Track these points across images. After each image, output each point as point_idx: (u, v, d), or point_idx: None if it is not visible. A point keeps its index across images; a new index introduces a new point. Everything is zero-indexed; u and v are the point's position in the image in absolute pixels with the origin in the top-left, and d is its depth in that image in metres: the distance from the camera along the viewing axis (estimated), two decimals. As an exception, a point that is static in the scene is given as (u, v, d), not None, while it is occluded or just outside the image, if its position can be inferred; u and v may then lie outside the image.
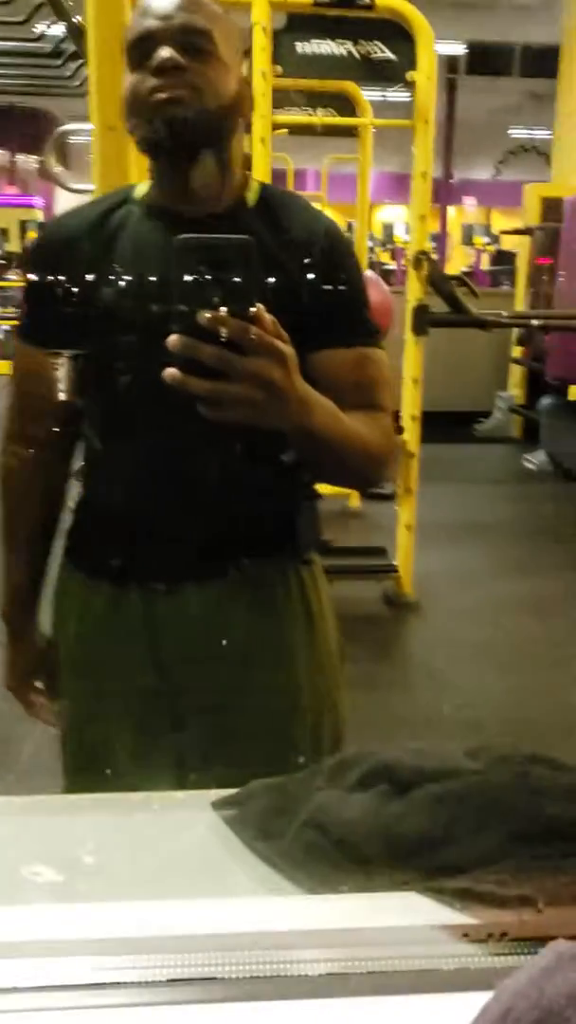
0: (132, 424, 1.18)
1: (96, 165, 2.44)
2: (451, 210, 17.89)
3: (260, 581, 1.22)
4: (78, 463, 1.28)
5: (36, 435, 1.28)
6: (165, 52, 1.07)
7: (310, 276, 1.14)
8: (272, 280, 1.10)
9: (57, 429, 1.26)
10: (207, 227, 1.11)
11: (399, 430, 3.77)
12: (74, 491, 1.29)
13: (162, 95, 1.07)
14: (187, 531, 1.18)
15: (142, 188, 1.21)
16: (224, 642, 1.21)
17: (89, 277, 1.15)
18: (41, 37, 4.97)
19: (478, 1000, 0.55)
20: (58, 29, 4.79)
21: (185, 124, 1.08)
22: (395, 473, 3.81)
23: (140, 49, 1.09)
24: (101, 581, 1.23)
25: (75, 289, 1.16)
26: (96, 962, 0.59)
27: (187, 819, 0.80)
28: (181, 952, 0.58)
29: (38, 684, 1.38)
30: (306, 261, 1.15)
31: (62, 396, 1.22)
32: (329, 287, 1.16)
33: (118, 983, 0.56)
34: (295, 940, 0.61)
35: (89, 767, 1.26)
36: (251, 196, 1.19)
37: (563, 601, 4.05)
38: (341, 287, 1.18)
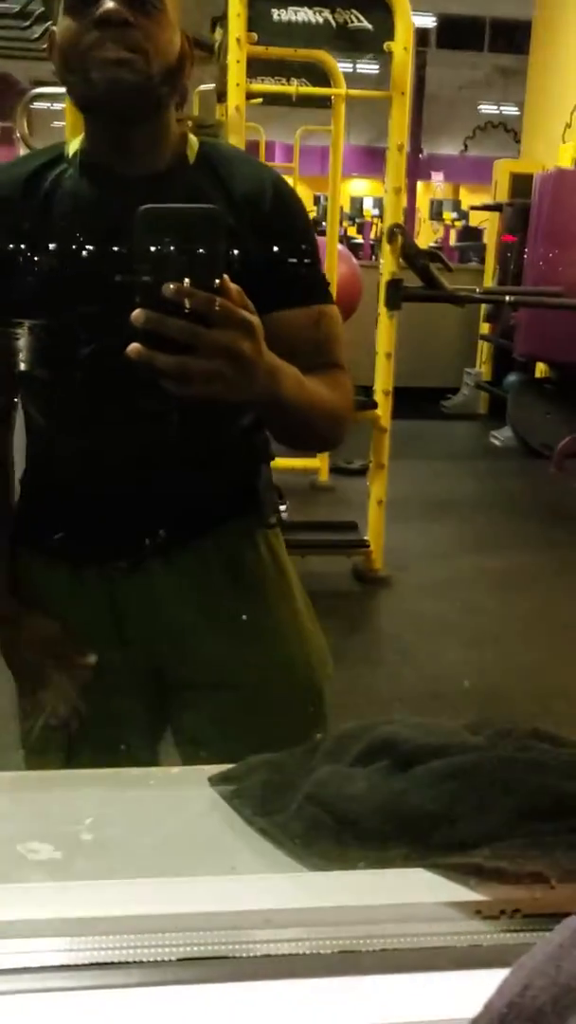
0: (83, 397, 1.12)
1: (69, 130, 2.38)
2: (419, 185, 17.82)
3: (230, 549, 1.20)
4: (27, 440, 1.22)
5: None
6: (111, 4, 0.99)
7: (260, 234, 1.09)
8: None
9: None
10: (148, 186, 1.06)
11: (372, 404, 3.76)
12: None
13: (105, 54, 0.99)
14: (148, 505, 1.14)
15: (75, 144, 1.13)
16: (201, 615, 1.18)
17: (24, 243, 1.08)
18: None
19: (493, 977, 0.54)
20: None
21: (129, 88, 1.01)
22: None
23: None
24: (59, 563, 1.18)
25: (7, 252, 1.09)
26: (101, 941, 0.57)
27: (185, 795, 0.78)
28: (192, 931, 0.57)
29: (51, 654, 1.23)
30: (255, 218, 1.09)
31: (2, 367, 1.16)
32: (281, 244, 1.11)
33: (128, 962, 0.55)
34: (307, 917, 0.60)
35: (59, 752, 1.20)
36: (191, 153, 1.13)
37: (529, 576, 4.08)
38: (293, 243, 1.12)
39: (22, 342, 1.13)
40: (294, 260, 1.13)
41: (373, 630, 3.67)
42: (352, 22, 3.71)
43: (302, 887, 0.63)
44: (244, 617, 1.19)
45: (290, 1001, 0.54)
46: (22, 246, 1.08)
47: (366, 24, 3.71)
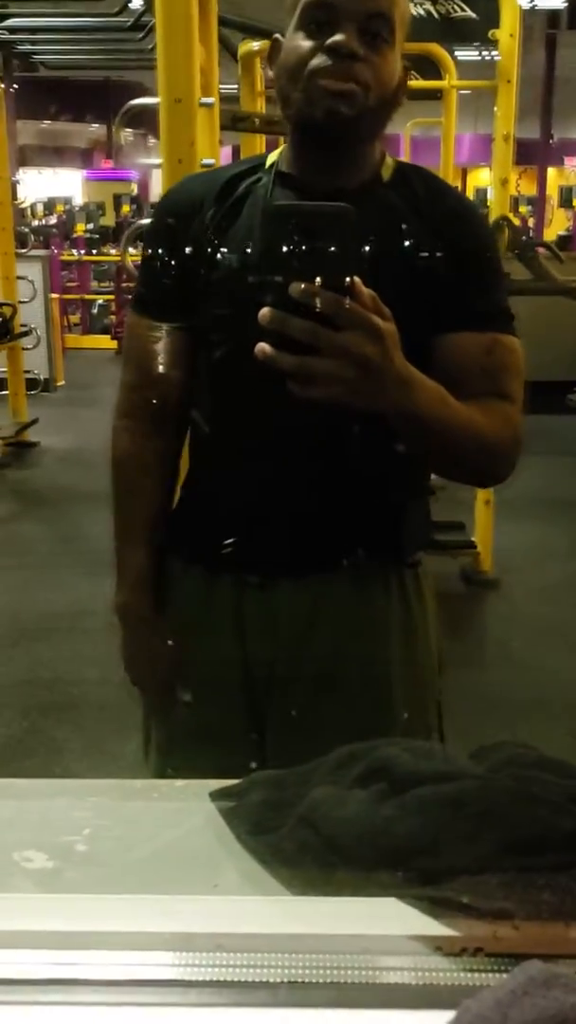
0: (235, 403, 1.14)
1: (163, 137, 2.42)
2: (551, 171, 17.31)
3: (361, 581, 1.16)
4: (190, 446, 1.25)
5: (150, 410, 1.21)
6: (342, 37, 1.01)
7: (445, 254, 1.09)
8: (401, 255, 1.06)
9: (171, 405, 1.21)
10: (340, 199, 1.06)
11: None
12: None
13: (330, 84, 1.02)
14: (286, 520, 1.13)
15: (274, 155, 1.16)
16: (316, 645, 1.17)
17: (210, 245, 1.11)
18: (122, 10, 4.96)
19: (440, 1019, 0.52)
20: (137, 2, 4.77)
21: (346, 122, 1.03)
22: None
23: (316, 14, 1.03)
24: (196, 567, 1.20)
25: (194, 256, 1.12)
26: (76, 956, 0.58)
27: (184, 809, 0.79)
28: (139, 950, 0.58)
29: (164, 676, 1.26)
30: (441, 238, 1.09)
31: (176, 371, 1.18)
32: (464, 267, 1.10)
33: (70, 980, 0.56)
34: (261, 944, 0.59)
35: (171, 755, 1.24)
36: (386, 172, 1.14)
37: None
38: (477, 268, 1.12)
39: (199, 347, 1.16)
40: (475, 285, 1.12)
41: (479, 634, 3.60)
42: (455, 11, 3.64)
43: (262, 911, 0.63)
44: (349, 661, 1.17)
45: (234, 1030, 0.54)
46: (207, 250, 1.11)
47: (470, 13, 3.63)
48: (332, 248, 0.77)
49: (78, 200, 14.65)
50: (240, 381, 1.10)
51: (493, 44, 3.66)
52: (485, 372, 1.09)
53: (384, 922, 0.61)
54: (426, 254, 1.08)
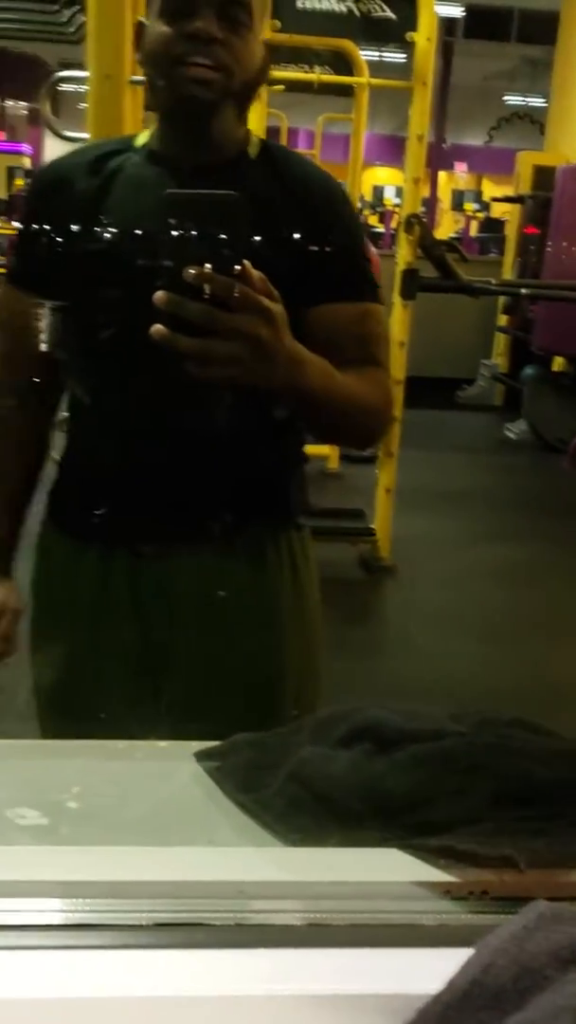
0: (119, 378, 1.15)
1: (91, 113, 2.38)
2: (441, 175, 17.71)
3: (252, 546, 1.21)
4: (63, 416, 1.26)
5: (18, 382, 1.25)
6: (201, 23, 1.03)
7: (311, 229, 1.12)
8: (271, 232, 1.06)
9: (41, 378, 1.23)
10: (208, 176, 1.11)
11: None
12: (59, 445, 1.27)
13: (190, 71, 1.04)
14: (175, 492, 1.15)
15: (143, 137, 1.19)
16: (212, 608, 1.19)
17: (81, 221, 1.12)
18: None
19: (458, 956, 0.56)
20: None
21: (207, 107, 1.06)
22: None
23: (174, 1, 1.05)
24: (85, 543, 1.21)
25: (67, 232, 1.14)
26: (80, 904, 0.59)
27: (170, 768, 0.80)
28: (167, 897, 0.59)
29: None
30: (308, 214, 1.13)
31: (47, 345, 1.19)
32: (331, 240, 1.14)
33: (102, 924, 0.57)
34: (279, 890, 0.61)
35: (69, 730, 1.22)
36: (252, 149, 1.17)
37: (538, 570, 4.08)
38: (343, 240, 1.16)
39: (74, 323, 1.16)
40: (343, 257, 1.16)
41: (377, 620, 3.69)
42: (376, 11, 3.70)
43: (275, 861, 0.65)
44: (245, 621, 1.21)
45: (260, 969, 0.56)
46: (80, 226, 1.12)
47: (389, 14, 3.70)
48: (223, 234, 0.81)
49: (-33, 172, 14.12)
50: (115, 355, 1.13)
51: (405, 46, 3.74)
52: (358, 340, 1.14)
53: (388, 870, 0.65)
54: (294, 229, 1.12)
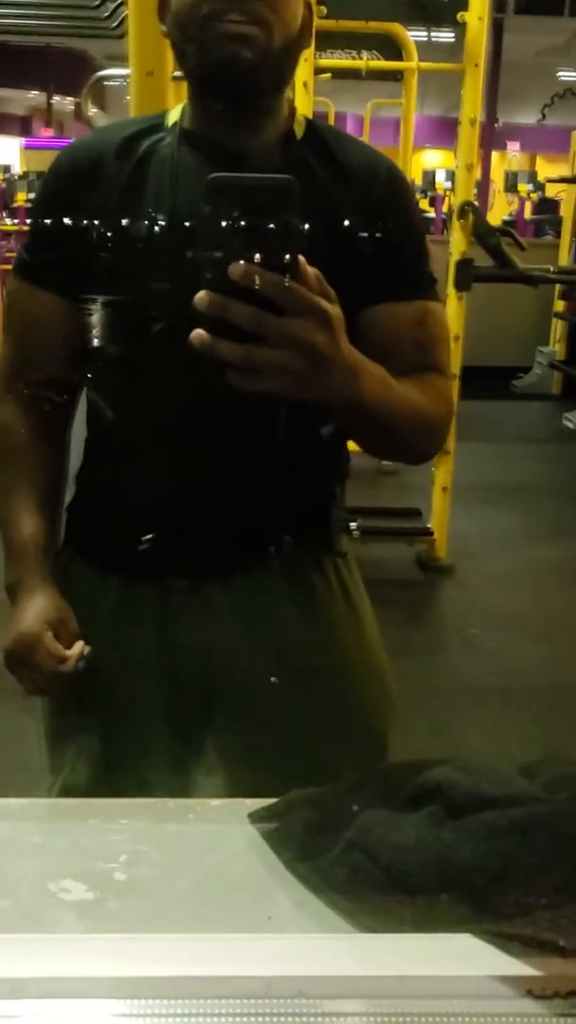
0: (149, 390, 1.04)
1: (134, 110, 2.34)
2: (494, 156, 17.39)
3: (295, 574, 1.10)
4: (88, 432, 1.13)
5: (32, 388, 1.11)
6: None
7: (367, 219, 1.01)
8: (322, 223, 0.90)
9: (58, 383, 1.11)
10: (252, 159, 1.00)
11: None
12: (77, 464, 1.16)
13: (226, 27, 0.92)
14: (210, 518, 1.05)
15: (175, 113, 1.05)
16: (256, 643, 1.09)
17: (110, 211, 1.01)
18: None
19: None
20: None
21: (249, 66, 0.93)
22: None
23: None
24: (109, 573, 1.10)
25: (93, 224, 1.02)
26: (128, 1006, 0.54)
27: (223, 831, 0.75)
28: (219, 998, 0.54)
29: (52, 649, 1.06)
30: (363, 202, 1.02)
31: (62, 345, 1.07)
32: (389, 232, 1.02)
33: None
34: (341, 988, 0.56)
35: (100, 784, 1.08)
36: (298, 129, 1.05)
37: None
38: (402, 233, 1.05)
39: (96, 316, 1.05)
40: (404, 251, 1.05)
41: (435, 620, 3.61)
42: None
43: (339, 951, 0.59)
44: (304, 651, 1.11)
45: None
46: (107, 216, 1.01)
47: (440, -6, 3.59)
48: (274, 225, 0.70)
49: (16, 169, 14.25)
50: (146, 364, 1.02)
51: (458, 26, 3.63)
52: (416, 344, 1.03)
53: (464, 962, 0.59)
54: (350, 220, 1.00)
